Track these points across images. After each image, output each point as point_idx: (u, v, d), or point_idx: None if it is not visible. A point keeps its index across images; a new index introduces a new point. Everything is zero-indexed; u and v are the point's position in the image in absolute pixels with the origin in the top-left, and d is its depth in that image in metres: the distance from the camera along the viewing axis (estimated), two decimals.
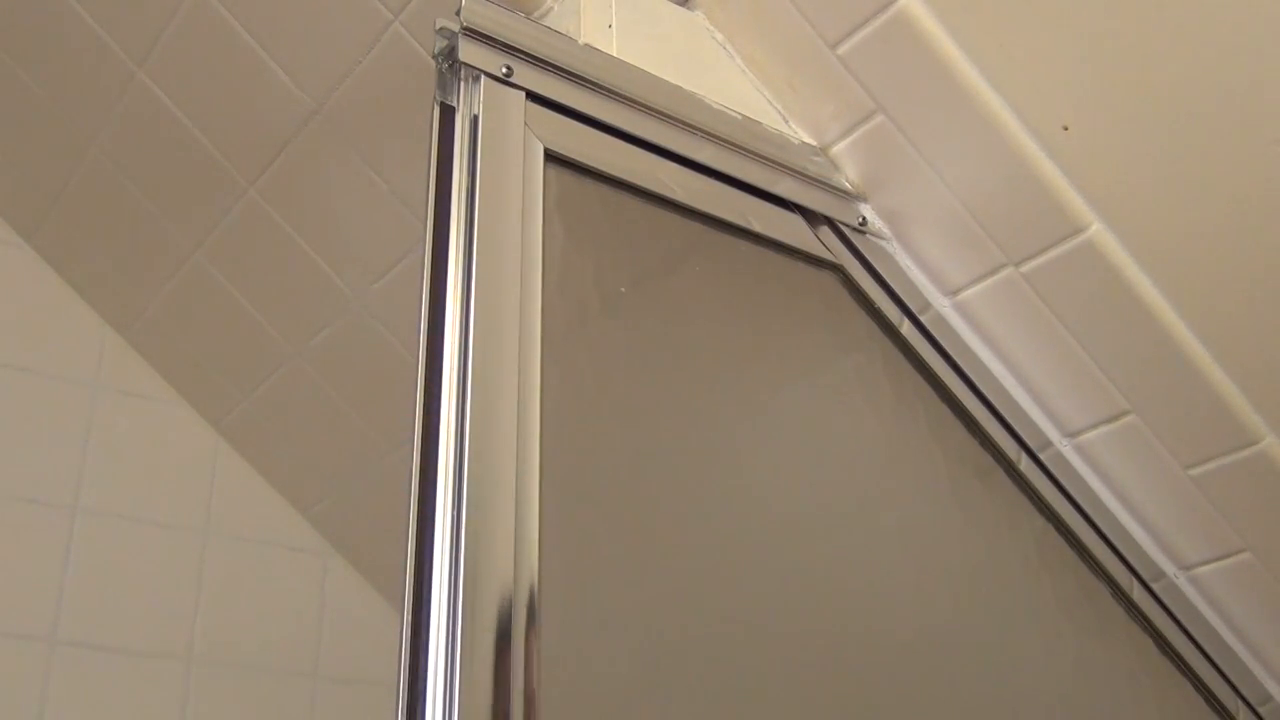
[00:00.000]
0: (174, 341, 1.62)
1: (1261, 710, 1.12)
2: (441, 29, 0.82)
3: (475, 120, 0.78)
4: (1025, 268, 0.98)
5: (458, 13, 0.81)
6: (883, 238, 1.03)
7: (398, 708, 0.60)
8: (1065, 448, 1.06)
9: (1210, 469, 1.01)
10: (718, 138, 0.95)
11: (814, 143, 1.02)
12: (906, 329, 1.02)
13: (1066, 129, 0.91)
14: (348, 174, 1.31)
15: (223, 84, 1.31)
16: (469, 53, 0.81)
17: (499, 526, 0.67)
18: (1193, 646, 1.09)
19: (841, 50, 0.95)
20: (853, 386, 0.99)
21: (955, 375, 1.03)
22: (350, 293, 1.43)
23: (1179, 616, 1.09)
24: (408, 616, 0.64)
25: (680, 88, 0.95)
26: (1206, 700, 1.10)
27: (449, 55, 0.81)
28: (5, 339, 1.57)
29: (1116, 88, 0.88)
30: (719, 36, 1.03)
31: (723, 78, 1.00)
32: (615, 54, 0.92)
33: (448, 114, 0.80)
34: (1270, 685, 1.12)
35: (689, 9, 1.02)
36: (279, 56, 1.26)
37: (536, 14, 0.95)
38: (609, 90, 0.89)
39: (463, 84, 0.80)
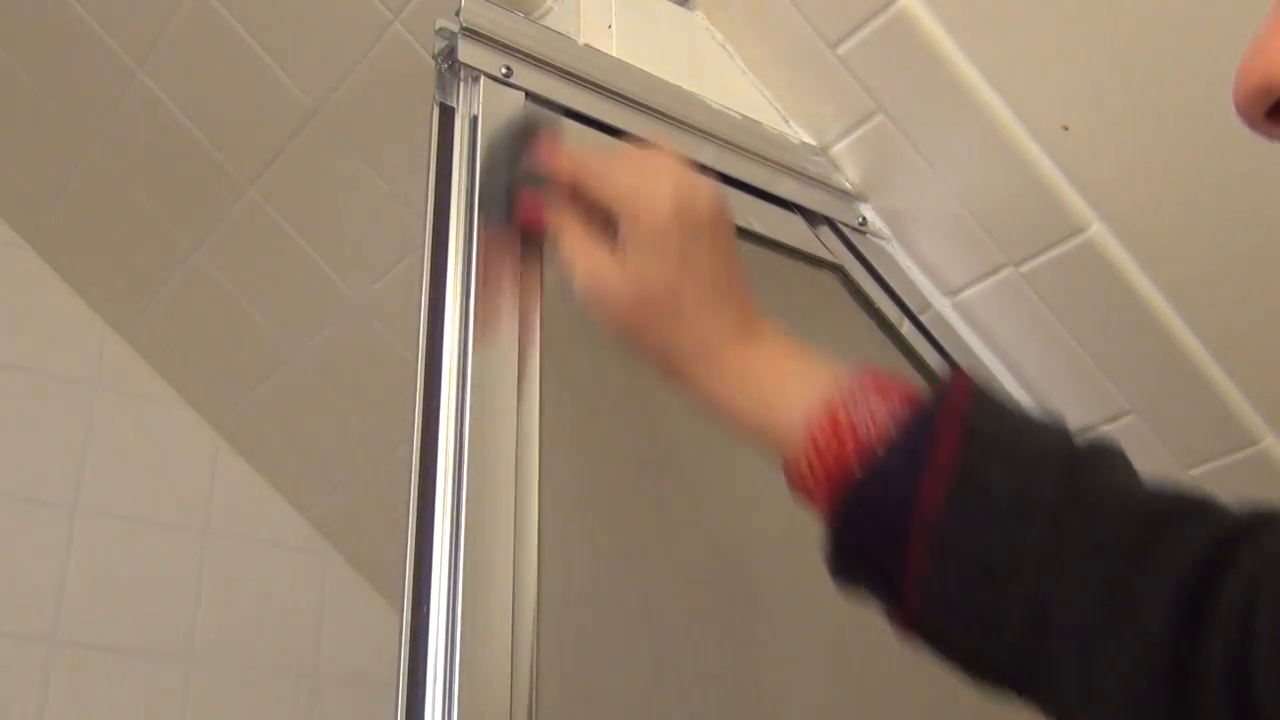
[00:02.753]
0: (174, 341, 1.62)
1: None
2: (441, 29, 0.82)
3: (475, 120, 0.78)
4: (1025, 268, 0.98)
5: (457, 13, 0.81)
6: (883, 238, 1.03)
7: (397, 708, 0.60)
8: None
9: (1210, 469, 1.01)
10: (718, 138, 0.95)
11: (814, 143, 1.02)
12: (906, 329, 1.02)
13: (1066, 129, 0.91)
14: (348, 174, 1.31)
15: (223, 84, 1.31)
16: (468, 53, 0.81)
17: (498, 527, 0.67)
18: None
19: (841, 50, 0.95)
20: None
21: None
22: (350, 293, 1.43)
23: None
24: (407, 616, 0.64)
25: (680, 88, 0.95)
26: None
27: (449, 55, 0.81)
28: (5, 339, 1.57)
29: (1116, 88, 0.88)
30: (719, 36, 1.02)
31: (723, 78, 1.00)
32: (615, 54, 0.92)
33: (447, 114, 0.80)
34: None
35: (689, 9, 1.02)
36: (279, 56, 1.26)
37: (536, 14, 0.95)
38: (609, 90, 0.89)
39: (462, 84, 0.80)
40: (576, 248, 0.67)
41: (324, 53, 1.23)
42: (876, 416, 0.57)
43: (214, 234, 1.46)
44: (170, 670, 1.55)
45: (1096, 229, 0.93)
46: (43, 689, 1.46)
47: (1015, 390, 1.05)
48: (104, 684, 1.50)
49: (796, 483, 0.60)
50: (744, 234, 0.95)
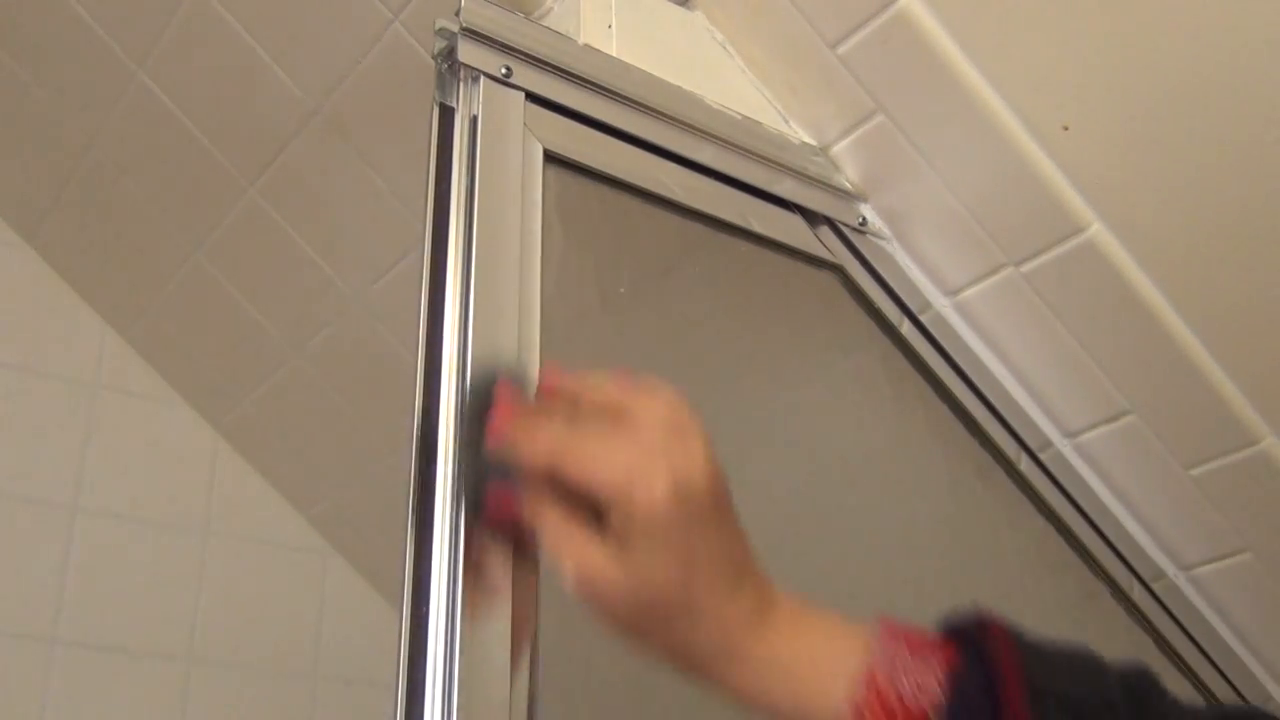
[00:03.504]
0: (174, 341, 1.62)
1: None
2: (441, 29, 0.82)
3: (475, 121, 0.78)
4: (1025, 268, 0.98)
5: (457, 13, 0.81)
6: (883, 238, 1.03)
7: (396, 708, 0.60)
8: (1065, 448, 1.06)
9: (1210, 469, 1.01)
10: (718, 138, 0.95)
11: (814, 143, 1.02)
12: (906, 329, 1.02)
13: (1066, 129, 0.91)
14: (348, 174, 1.31)
15: (223, 84, 1.31)
16: (468, 53, 0.81)
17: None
18: (1193, 646, 1.09)
19: (841, 50, 0.95)
20: (853, 386, 0.99)
21: (955, 375, 1.03)
22: (350, 293, 1.43)
23: (1179, 616, 1.09)
24: (406, 616, 0.64)
25: (680, 88, 0.95)
26: (1207, 700, 1.10)
27: (448, 56, 0.81)
28: (5, 339, 1.57)
29: (1116, 87, 0.88)
30: (719, 36, 1.02)
31: (723, 78, 1.00)
32: (615, 54, 0.92)
33: (447, 114, 0.79)
34: (1270, 685, 1.12)
35: (689, 9, 1.02)
36: (279, 56, 1.26)
37: (536, 14, 0.95)
38: (609, 91, 0.89)
39: (462, 84, 0.80)
40: (563, 543, 0.57)
41: (324, 53, 1.23)
42: (924, 684, 0.54)
43: (214, 234, 1.46)
44: (170, 670, 1.55)
45: (1096, 229, 0.93)
46: (43, 689, 1.46)
47: (1015, 390, 1.05)
48: (104, 684, 1.50)
49: None
50: (744, 234, 0.95)
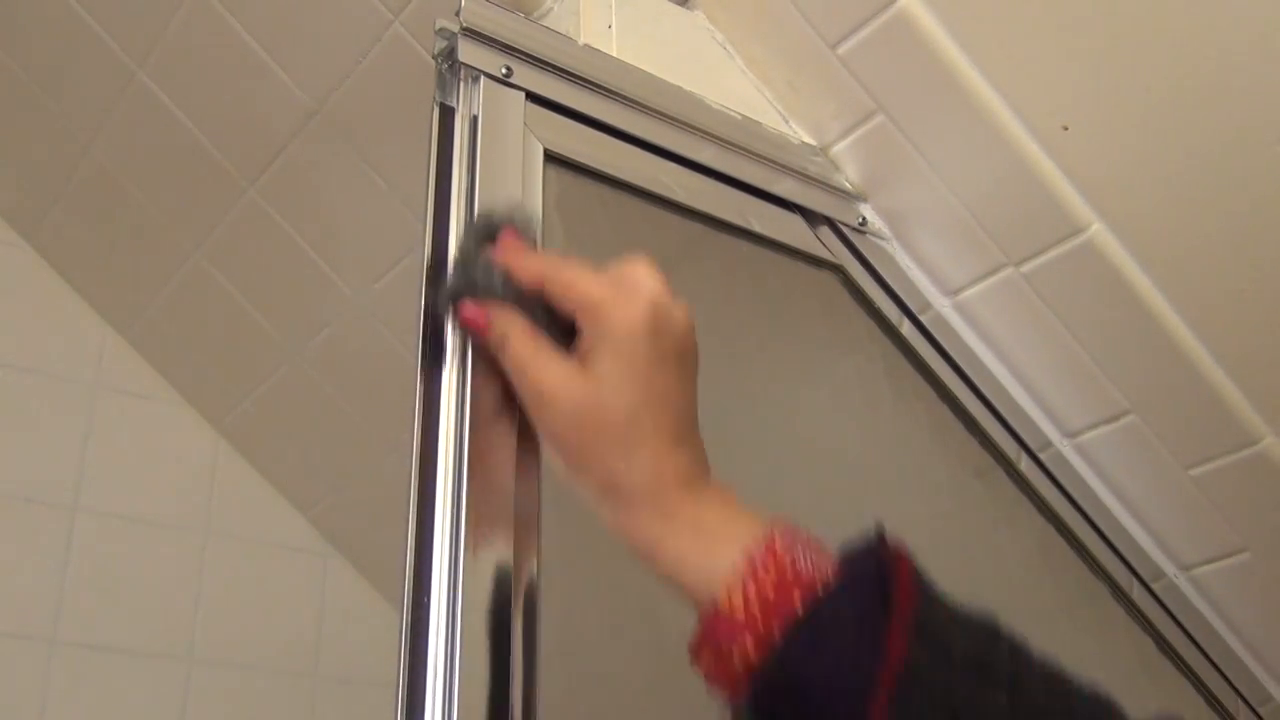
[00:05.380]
0: (174, 341, 1.62)
1: (1261, 710, 1.12)
2: (441, 29, 0.82)
3: (475, 121, 0.78)
4: (1025, 268, 0.98)
5: (457, 13, 0.81)
6: (883, 238, 1.03)
7: (397, 708, 0.60)
8: (1065, 448, 1.06)
9: (1210, 469, 1.01)
10: (718, 138, 0.95)
11: (814, 143, 1.02)
12: (906, 329, 1.02)
13: (1066, 129, 0.91)
14: (348, 174, 1.31)
15: (223, 84, 1.31)
16: (469, 53, 0.81)
17: (499, 526, 0.67)
18: (1193, 646, 1.09)
19: (841, 50, 0.95)
20: (853, 386, 0.99)
21: (955, 375, 1.03)
22: (350, 293, 1.43)
23: (1179, 616, 1.09)
24: (407, 616, 0.64)
25: (680, 88, 0.95)
26: (1206, 700, 1.10)
27: (449, 56, 0.81)
28: (5, 339, 1.57)
29: (1116, 88, 0.88)
30: (719, 36, 1.03)
31: (723, 78, 1.00)
32: (615, 54, 0.92)
33: (447, 114, 0.79)
34: (1270, 685, 1.12)
35: (689, 9, 1.02)
36: (279, 56, 1.26)
37: (536, 14, 0.95)
38: (609, 91, 0.89)
39: (462, 84, 0.80)
40: (528, 357, 0.61)
41: (324, 53, 1.23)
42: (819, 563, 0.56)
43: (214, 234, 1.46)
44: (170, 670, 1.55)
45: (1096, 229, 0.93)
46: (43, 689, 1.46)
47: (1015, 390, 1.05)
48: (104, 684, 1.50)
49: (726, 618, 0.56)
50: (744, 234, 0.95)
